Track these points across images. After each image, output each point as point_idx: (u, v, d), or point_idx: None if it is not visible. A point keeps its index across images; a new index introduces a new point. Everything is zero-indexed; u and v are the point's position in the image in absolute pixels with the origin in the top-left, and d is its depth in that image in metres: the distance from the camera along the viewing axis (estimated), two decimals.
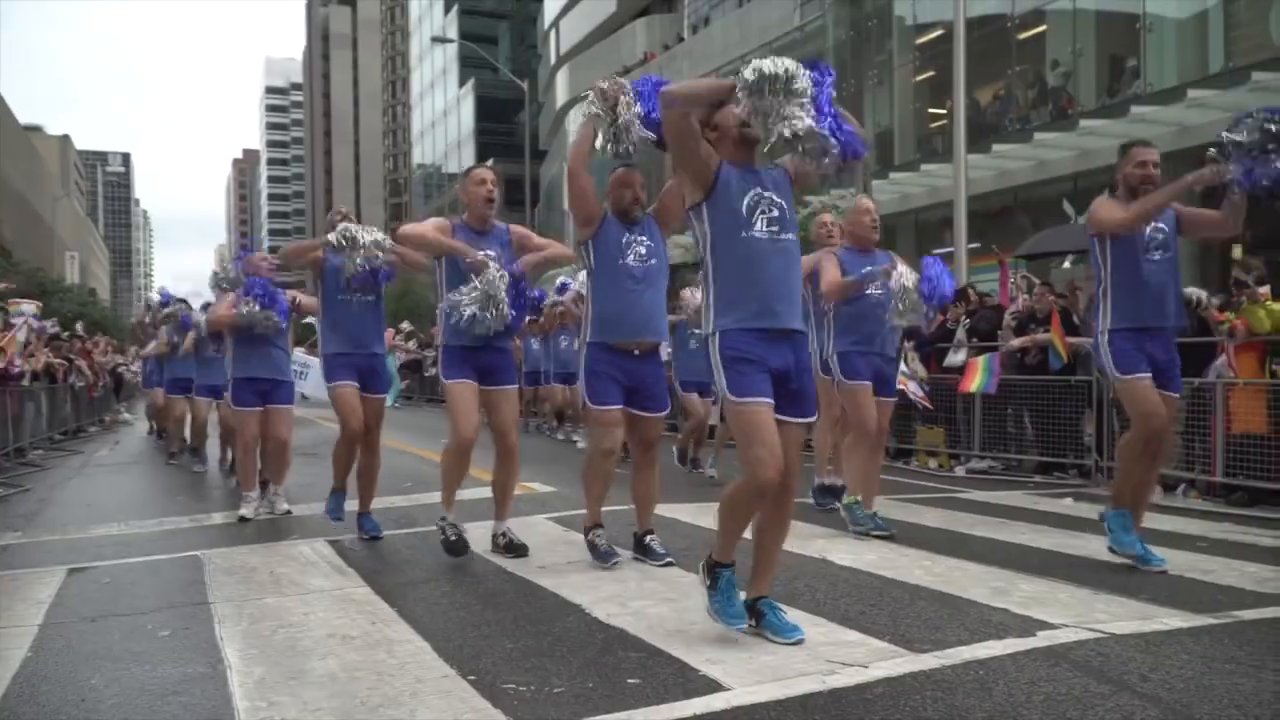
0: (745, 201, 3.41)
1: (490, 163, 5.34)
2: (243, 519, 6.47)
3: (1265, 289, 6.35)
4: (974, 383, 8.36)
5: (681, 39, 35.60)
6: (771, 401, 3.34)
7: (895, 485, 7.97)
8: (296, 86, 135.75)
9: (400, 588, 4.39)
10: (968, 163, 13.60)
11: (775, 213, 3.43)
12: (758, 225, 3.40)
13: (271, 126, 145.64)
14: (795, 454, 3.44)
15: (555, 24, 48.00)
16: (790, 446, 3.39)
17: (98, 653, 3.54)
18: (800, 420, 3.48)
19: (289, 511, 6.74)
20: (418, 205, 76.38)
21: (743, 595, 3.52)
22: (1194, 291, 7.54)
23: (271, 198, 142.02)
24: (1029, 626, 3.55)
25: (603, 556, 4.75)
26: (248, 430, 6.76)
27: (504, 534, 5.08)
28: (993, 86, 20.04)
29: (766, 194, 3.44)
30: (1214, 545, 5.20)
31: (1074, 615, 3.70)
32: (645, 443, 4.84)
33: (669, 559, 4.67)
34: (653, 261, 4.68)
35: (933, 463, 9.44)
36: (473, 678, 3.09)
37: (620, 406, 4.67)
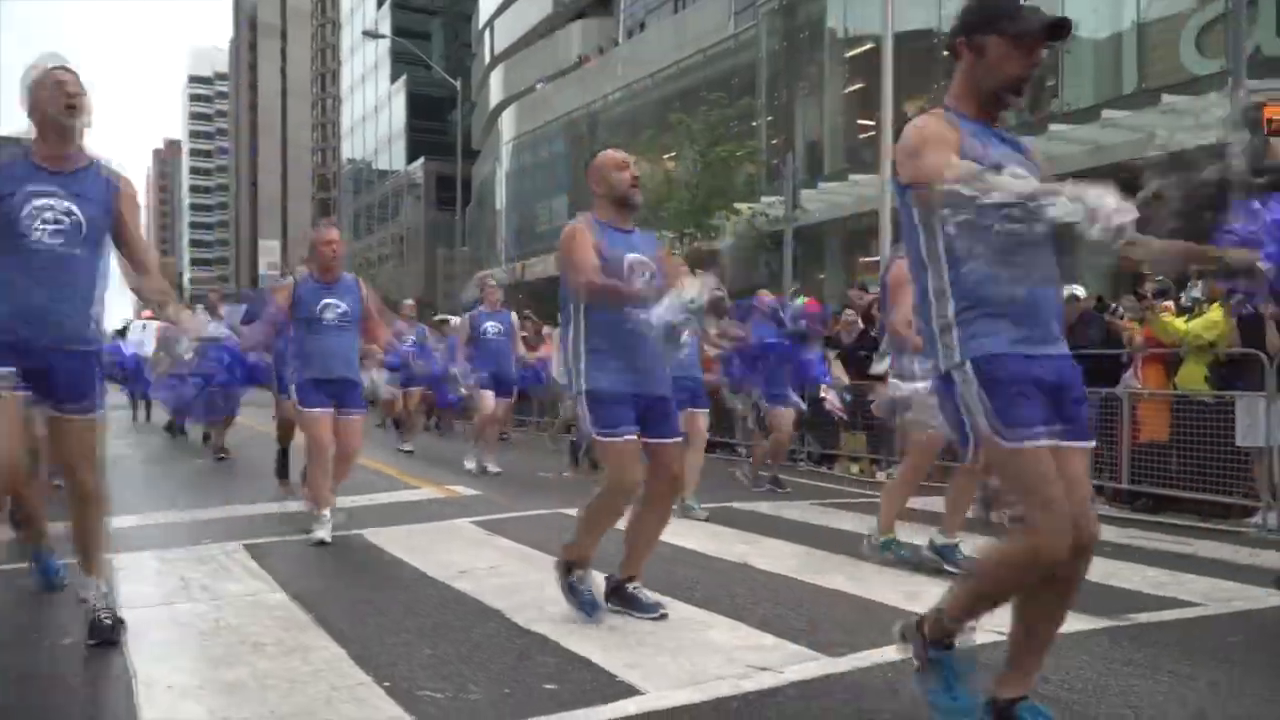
0: None
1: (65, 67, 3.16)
2: (321, 543, 5.47)
3: (1169, 303, 6.61)
4: None
5: (617, 43, 35.70)
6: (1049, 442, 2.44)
7: (818, 490, 8.12)
8: (222, 76, 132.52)
9: (318, 593, 4.32)
10: None
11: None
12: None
13: (195, 116, 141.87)
14: (1084, 494, 2.54)
15: (490, 23, 47.70)
16: (1076, 486, 2.49)
17: None
18: (1080, 445, 2.56)
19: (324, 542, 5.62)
20: (346, 201, 75.26)
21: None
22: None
23: (194, 190, 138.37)
24: None
25: (587, 606, 3.82)
26: (321, 437, 5.75)
27: (97, 598, 3.58)
28: (919, 100, 20.47)
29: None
30: (1118, 550, 5.39)
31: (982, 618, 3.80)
32: (670, 474, 3.91)
33: (663, 610, 3.86)
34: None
35: (855, 468, 9.61)
36: (388, 685, 3.06)
37: (637, 432, 3.79)
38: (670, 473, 3.89)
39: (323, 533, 5.50)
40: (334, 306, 5.73)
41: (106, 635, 3.48)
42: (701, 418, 6.71)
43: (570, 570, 3.90)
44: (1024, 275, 2.46)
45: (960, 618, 2.57)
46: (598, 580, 3.97)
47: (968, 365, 2.46)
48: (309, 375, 5.73)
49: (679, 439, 3.99)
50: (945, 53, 2.68)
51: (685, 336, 5.69)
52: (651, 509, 3.92)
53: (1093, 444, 2.64)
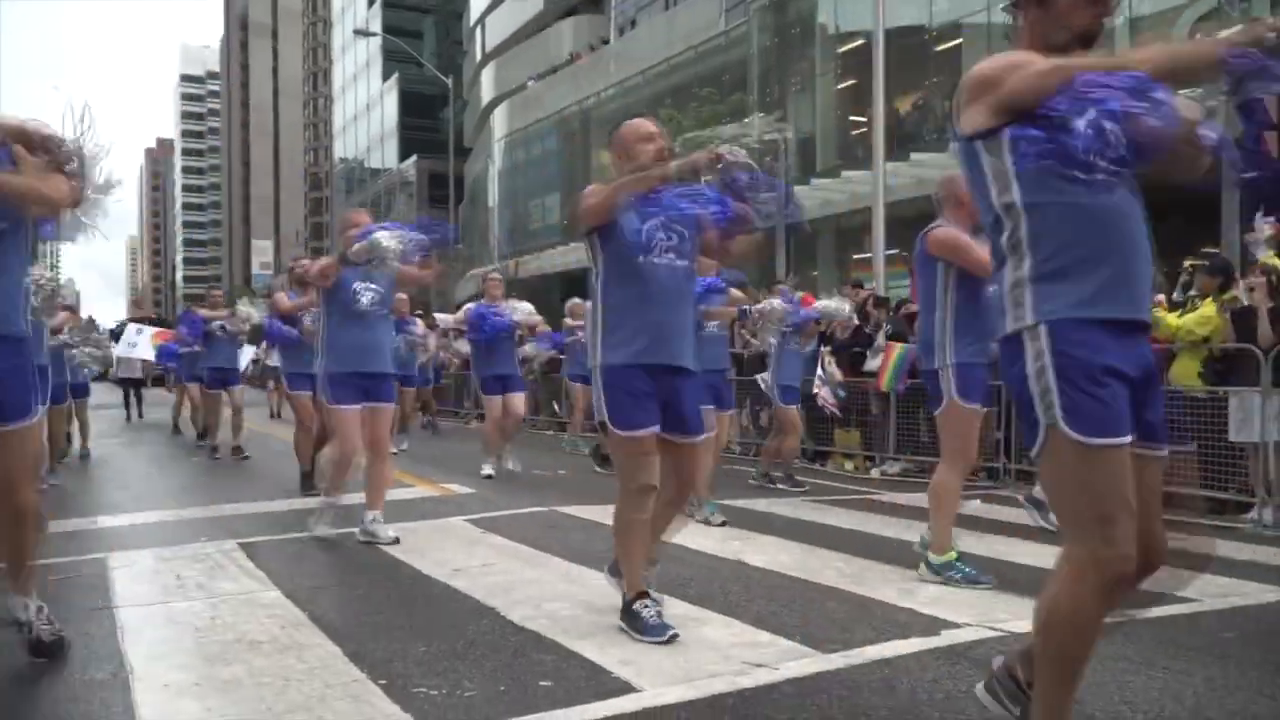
0: (1088, 131, 2.07)
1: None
2: (316, 539, 5.51)
3: (1159, 297, 6.62)
4: (885, 379, 8.46)
5: (608, 40, 35.66)
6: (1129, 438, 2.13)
7: (812, 486, 8.12)
8: (214, 75, 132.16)
9: (312, 591, 4.32)
10: (887, 170, 13.89)
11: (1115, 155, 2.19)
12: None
13: (187, 115, 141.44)
14: (1158, 510, 2.26)
15: (481, 20, 47.59)
16: (1152, 500, 2.22)
17: None
18: (1158, 452, 2.26)
19: (397, 540, 5.41)
20: (339, 200, 75.08)
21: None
22: None
23: (186, 189, 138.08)
24: (933, 626, 3.65)
25: (653, 631, 3.43)
26: (352, 438, 5.59)
27: (36, 617, 3.35)
28: (911, 96, 20.51)
29: (1111, 126, 2.13)
30: None
31: (976, 614, 3.82)
32: (681, 479, 3.64)
33: (674, 631, 3.46)
34: (681, 263, 3.60)
35: (849, 465, 9.63)
36: (383, 682, 3.06)
37: (656, 429, 3.52)
38: (681, 477, 3.61)
39: (320, 528, 5.51)
40: (368, 289, 5.51)
41: (54, 650, 3.32)
42: (723, 420, 6.37)
43: (633, 602, 3.53)
44: (1116, 240, 2.16)
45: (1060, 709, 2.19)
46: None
47: (1041, 329, 2.15)
48: (341, 369, 5.47)
49: (699, 439, 3.67)
50: (1009, 8, 2.39)
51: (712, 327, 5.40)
52: (661, 511, 3.64)
53: (1166, 451, 2.27)
